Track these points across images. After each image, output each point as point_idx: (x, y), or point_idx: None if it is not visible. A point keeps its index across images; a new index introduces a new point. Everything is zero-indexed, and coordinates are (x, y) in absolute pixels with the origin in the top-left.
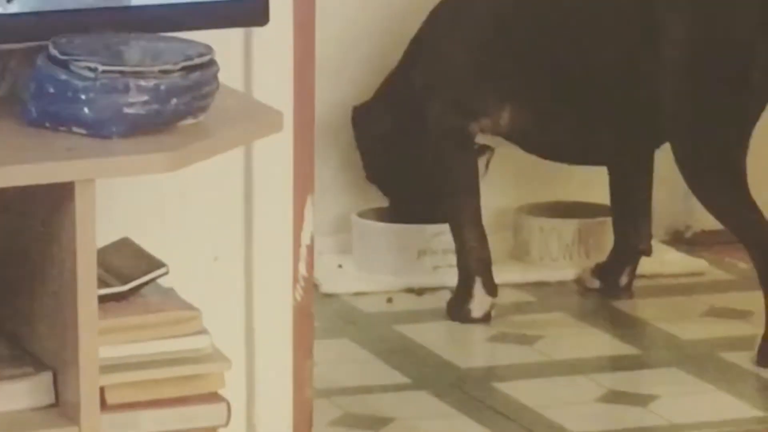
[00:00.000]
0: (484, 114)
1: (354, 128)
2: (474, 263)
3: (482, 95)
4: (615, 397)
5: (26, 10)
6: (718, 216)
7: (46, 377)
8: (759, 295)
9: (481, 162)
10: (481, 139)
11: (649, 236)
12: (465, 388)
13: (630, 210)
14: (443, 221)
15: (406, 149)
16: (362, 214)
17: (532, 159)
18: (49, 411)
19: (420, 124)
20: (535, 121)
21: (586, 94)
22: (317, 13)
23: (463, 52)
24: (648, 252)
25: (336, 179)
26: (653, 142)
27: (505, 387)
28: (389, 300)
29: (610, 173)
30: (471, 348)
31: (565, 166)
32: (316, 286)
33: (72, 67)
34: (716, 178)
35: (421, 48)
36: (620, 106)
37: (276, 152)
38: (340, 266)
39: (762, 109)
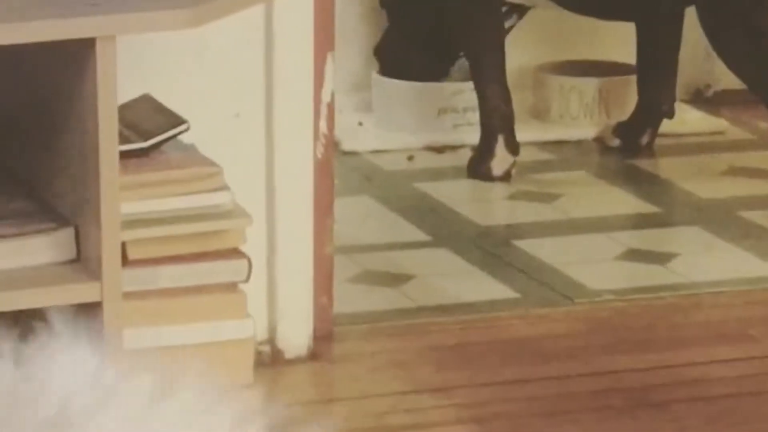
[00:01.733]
0: None
1: None
2: (497, 121)
3: None
4: (634, 255)
5: None
6: (740, 75)
7: (68, 232)
8: None
9: (506, 24)
10: None
11: (673, 98)
12: (485, 246)
13: (656, 70)
14: (455, 73)
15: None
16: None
17: (553, 17)
18: (71, 266)
19: None
20: None
21: None
22: None
23: None
24: (671, 114)
25: (356, 36)
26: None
27: (524, 244)
28: (410, 158)
29: (639, 31)
30: (491, 206)
31: (585, 24)
32: (336, 144)
33: None
34: (739, 38)
35: None
36: None
37: (296, 9)
38: (360, 124)
39: None
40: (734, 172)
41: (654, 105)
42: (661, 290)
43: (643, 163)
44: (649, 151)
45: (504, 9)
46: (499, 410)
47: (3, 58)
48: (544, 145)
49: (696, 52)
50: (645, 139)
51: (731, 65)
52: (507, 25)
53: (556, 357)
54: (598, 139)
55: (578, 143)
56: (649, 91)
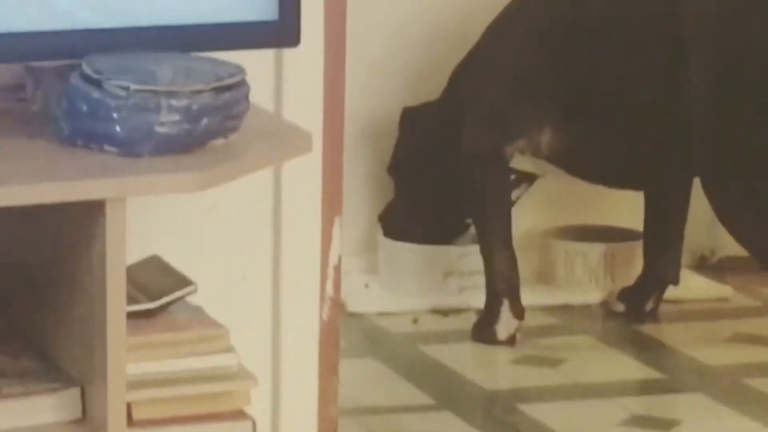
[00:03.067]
0: (522, 135)
1: (399, 128)
2: (502, 286)
3: (521, 116)
4: (639, 421)
5: (59, 28)
6: (745, 244)
7: (74, 392)
8: None
9: (514, 194)
10: (522, 163)
11: (679, 266)
12: (489, 410)
13: (662, 238)
14: (462, 237)
15: (441, 161)
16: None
17: (560, 183)
18: (77, 425)
19: (457, 141)
20: (576, 144)
21: (625, 118)
22: (365, 26)
23: (502, 74)
24: (676, 281)
25: (364, 199)
26: (692, 169)
27: (529, 409)
28: (415, 320)
29: (647, 199)
30: (496, 369)
31: (592, 190)
32: (342, 306)
33: (105, 86)
34: (743, 208)
35: (472, 65)
36: (659, 131)
37: (305, 173)
38: (366, 286)
39: None
40: (739, 338)
41: (659, 272)
42: None
43: (648, 329)
44: (654, 316)
45: (514, 177)
46: None
47: (14, 217)
48: (550, 309)
49: (700, 220)
50: (650, 305)
51: (734, 233)
52: (517, 193)
53: None
54: (604, 304)
55: (583, 308)
56: (655, 258)
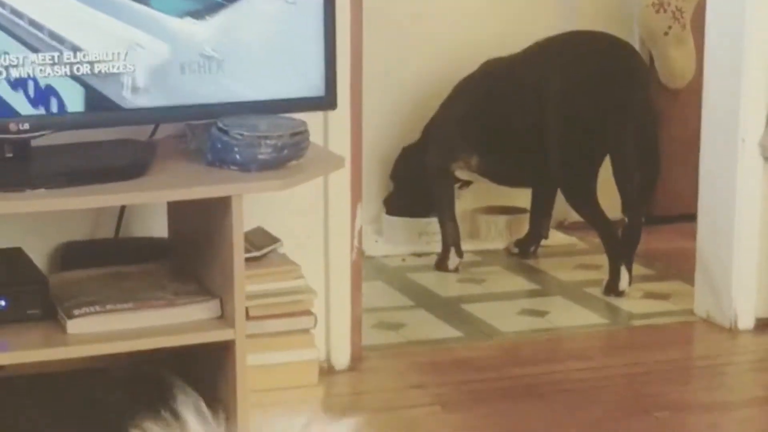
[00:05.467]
0: (459, 159)
1: (398, 161)
2: (450, 240)
3: (459, 147)
4: (526, 312)
5: (205, 102)
6: (582, 215)
7: (216, 301)
8: (605, 257)
9: (459, 192)
10: (464, 175)
11: (548, 228)
12: (445, 307)
13: (540, 212)
14: (429, 215)
15: (419, 174)
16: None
17: (483, 184)
18: (217, 320)
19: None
20: (492, 163)
21: (519, 149)
22: (378, 93)
23: (451, 119)
24: (546, 237)
25: (374, 193)
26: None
27: (468, 307)
28: (403, 260)
29: (533, 192)
30: (448, 285)
31: (502, 188)
32: (363, 252)
33: (230, 133)
34: (580, 196)
35: (435, 116)
36: (539, 157)
37: (341, 179)
38: (376, 241)
39: (605, 154)
40: (581, 266)
41: (538, 232)
42: (543, 332)
43: (531, 262)
44: (534, 255)
45: (459, 183)
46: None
47: (183, 207)
48: (477, 252)
49: (559, 200)
50: (532, 249)
51: (575, 209)
52: (460, 191)
53: (484, 369)
54: (506, 249)
55: (495, 251)
56: (535, 224)
